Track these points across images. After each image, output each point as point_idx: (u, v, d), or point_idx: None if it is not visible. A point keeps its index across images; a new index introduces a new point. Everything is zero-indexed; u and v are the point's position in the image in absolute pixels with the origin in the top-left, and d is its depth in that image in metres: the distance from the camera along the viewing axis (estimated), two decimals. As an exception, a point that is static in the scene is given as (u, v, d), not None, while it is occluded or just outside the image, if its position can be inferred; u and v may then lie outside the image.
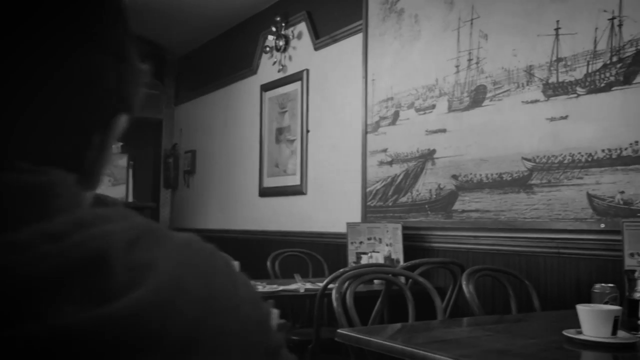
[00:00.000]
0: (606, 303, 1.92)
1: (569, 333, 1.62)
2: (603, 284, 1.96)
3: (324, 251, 4.13)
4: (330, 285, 2.29)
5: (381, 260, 3.57)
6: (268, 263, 3.86)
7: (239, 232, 5.38)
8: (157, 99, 6.39)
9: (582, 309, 1.63)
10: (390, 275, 2.37)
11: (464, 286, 2.48)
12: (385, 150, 3.84)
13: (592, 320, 1.60)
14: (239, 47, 5.62)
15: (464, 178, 3.29)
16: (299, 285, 2.94)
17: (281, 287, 2.90)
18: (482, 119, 3.21)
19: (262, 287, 2.81)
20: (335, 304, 2.09)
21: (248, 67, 5.41)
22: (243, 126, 5.50)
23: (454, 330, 1.87)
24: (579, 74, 2.75)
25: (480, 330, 1.85)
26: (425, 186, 3.54)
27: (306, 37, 4.69)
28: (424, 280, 2.32)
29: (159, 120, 6.56)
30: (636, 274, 2.21)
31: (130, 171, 5.56)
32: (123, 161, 5.48)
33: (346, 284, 2.22)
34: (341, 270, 2.51)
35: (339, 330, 1.76)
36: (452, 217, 3.35)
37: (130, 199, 5.52)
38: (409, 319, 2.24)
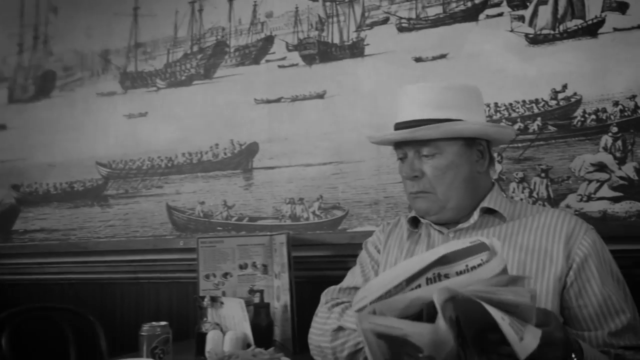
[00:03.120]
0: (155, 348, 1.45)
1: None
2: (154, 323, 1.49)
3: None
4: None
5: None
6: None
7: None
8: None
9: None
10: None
11: (-12, 339, 1.74)
12: None
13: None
14: None
15: (28, 189, 2.55)
16: None
17: None
18: (50, 114, 2.54)
19: None
20: None
21: None
22: None
23: None
24: (159, 63, 2.32)
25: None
26: (-22, 200, 2.66)
27: None
28: None
29: None
30: (206, 302, 1.82)
31: None
32: None
33: None
34: None
35: None
36: (11, 240, 2.56)
37: None
38: None
